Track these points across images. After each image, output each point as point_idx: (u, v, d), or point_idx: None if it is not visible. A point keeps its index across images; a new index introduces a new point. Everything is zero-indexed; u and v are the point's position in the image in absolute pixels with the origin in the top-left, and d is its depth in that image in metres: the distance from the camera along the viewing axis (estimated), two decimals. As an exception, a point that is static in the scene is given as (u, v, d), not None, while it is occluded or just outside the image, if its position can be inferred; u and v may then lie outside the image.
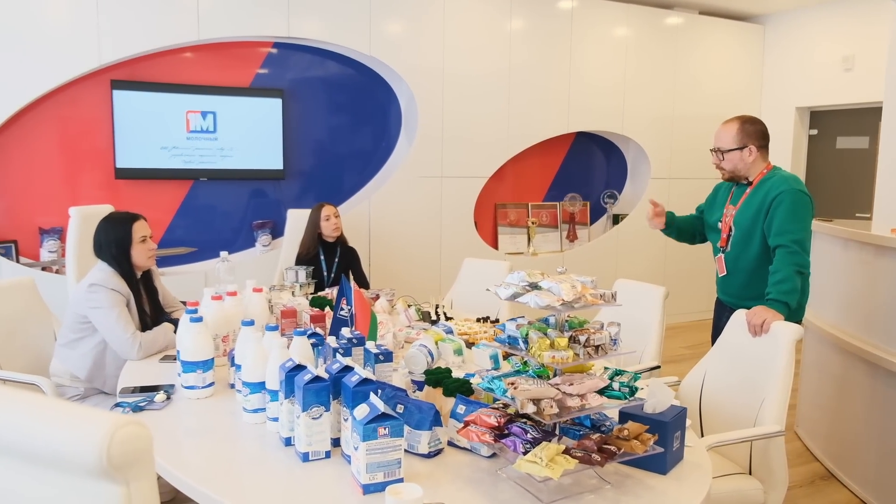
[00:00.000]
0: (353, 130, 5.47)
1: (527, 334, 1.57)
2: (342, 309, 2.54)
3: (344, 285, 2.53)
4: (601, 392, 1.58)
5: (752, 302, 2.65)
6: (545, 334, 1.55)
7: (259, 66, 5.07)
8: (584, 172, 6.64)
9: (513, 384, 1.52)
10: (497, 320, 3.28)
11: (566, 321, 1.63)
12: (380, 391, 1.71)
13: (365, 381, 1.68)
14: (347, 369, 1.77)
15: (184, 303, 3.11)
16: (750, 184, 2.85)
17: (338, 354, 1.98)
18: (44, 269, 4.45)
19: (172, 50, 4.74)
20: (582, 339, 1.54)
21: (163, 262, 4.75)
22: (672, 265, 6.69)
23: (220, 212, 5.11)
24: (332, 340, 2.11)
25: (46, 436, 0.74)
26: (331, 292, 3.44)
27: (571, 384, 1.53)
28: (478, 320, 3.27)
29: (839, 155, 6.58)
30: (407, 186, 5.47)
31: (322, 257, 4.23)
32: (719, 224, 2.97)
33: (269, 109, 5.00)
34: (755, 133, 2.83)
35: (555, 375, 1.62)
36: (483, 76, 5.66)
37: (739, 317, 2.57)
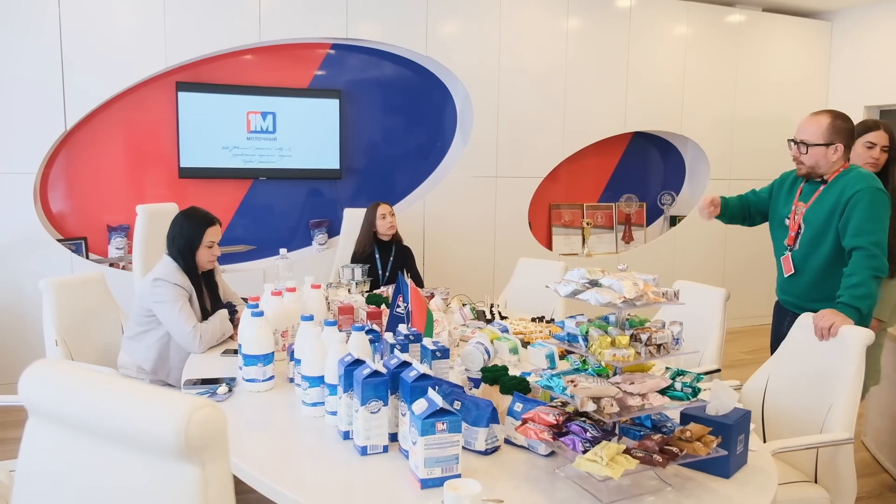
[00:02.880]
0: (408, 130, 5.51)
1: (587, 332, 1.55)
2: (399, 306, 2.56)
3: (401, 282, 2.55)
4: (663, 392, 1.55)
5: (819, 304, 2.56)
6: (606, 332, 1.53)
7: (317, 68, 5.15)
8: (640, 173, 6.53)
9: (572, 382, 1.50)
10: (552, 320, 3.26)
11: (626, 319, 1.61)
12: (437, 387, 1.71)
13: (423, 376, 1.69)
14: (405, 365, 1.78)
15: (244, 299, 3.20)
16: (823, 181, 2.74)
17: (395, 350, 2.00)
18: (111, 265, 4.61)
19: (234, 52, 4.86)
20: (644, 337, 1.51)
21: (222, 259, 4.84)
22: (731, 268, 6.53)
23: (279, 211, 5.21)
24: (389, 336, 2.13)
25: (127, 416, 0.76)
26: (386, 290, 3.47)
27: (632, 383, 1.50)
28: (532, 320, 3.25)
29: (911, 155, 6.31)
30: (461, 186, 5.48)
31: (377, 256, 4.27)
32: (786, 220, 2.84)
33: (327, 110, 5.07)
34: (845, 131, 2.70)
35: (614, 374, 1.60)
36: (539, 76, 5.63)
37: (806, 320, 2.48)
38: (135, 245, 3.83)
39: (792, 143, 2.77)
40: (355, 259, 4.26)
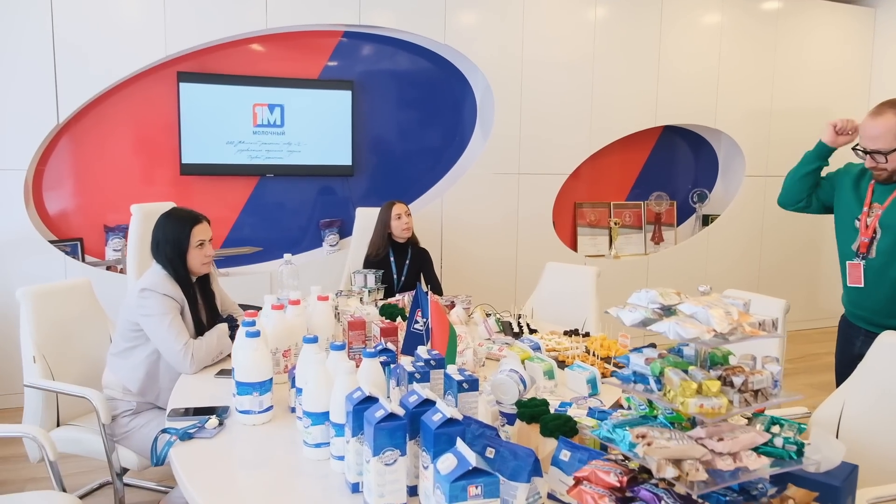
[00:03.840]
0: (425, 124, 5.18)
1: (661, 372, 1.22)
2: (417, 321, 2.23)
3: (419, 295, 2.22)
4: (756, 449, 1.21)
5: (900, 321, 2.21)
6: (686, 373, 1.19)
7: (328, 58, 4.83)
8: (670, 169, 6.16)
9: (644, 437, 1.17)
10: (587, 333, 2.92)
11: (708, 354, 1.27)
12: (466, 428, 1.39)
13: (449, 420, 1.36)
14: (427, 403, 1.46)
15: (244, 307, 2.88)
16: None
17: (414, 382, 1.67)
18: (108, 268, 4.33)
19: (240, 41, 4.56)
20: (737, 381, 1.17)
21: (228, 262, 4.57)
22: (767, 270, 6.15)
23: (287, 210, 4.90)
24: (406, 363, 1.80)
25: None
26: (402, 299, 3.15)
27: (721, 439, 1.17)
28: (566, 333, 2.92)
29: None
30: (481, 184, 5.14)
31: (392, 259, 3.95)
32: (856, 222, 2.48)
33: (339, 102, 4.75)
34: None
35: (694, 424, 1.26)
36: (564, 67, 5.28)
37: (888, 339, 2.13)
38: (129, 248, 3.52)
39: (860, 153, 2.41)
40: (368, 262, 3.95)
